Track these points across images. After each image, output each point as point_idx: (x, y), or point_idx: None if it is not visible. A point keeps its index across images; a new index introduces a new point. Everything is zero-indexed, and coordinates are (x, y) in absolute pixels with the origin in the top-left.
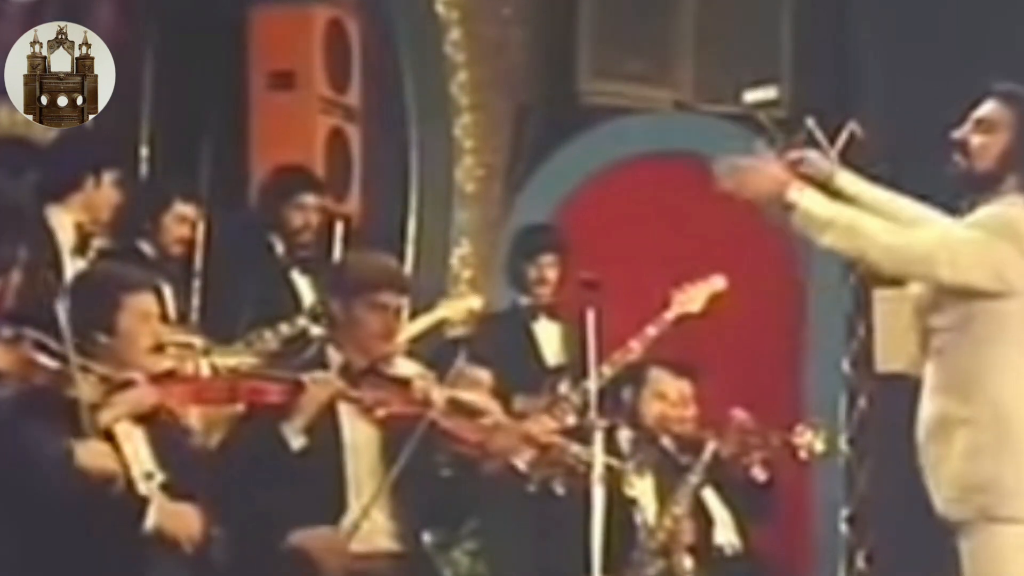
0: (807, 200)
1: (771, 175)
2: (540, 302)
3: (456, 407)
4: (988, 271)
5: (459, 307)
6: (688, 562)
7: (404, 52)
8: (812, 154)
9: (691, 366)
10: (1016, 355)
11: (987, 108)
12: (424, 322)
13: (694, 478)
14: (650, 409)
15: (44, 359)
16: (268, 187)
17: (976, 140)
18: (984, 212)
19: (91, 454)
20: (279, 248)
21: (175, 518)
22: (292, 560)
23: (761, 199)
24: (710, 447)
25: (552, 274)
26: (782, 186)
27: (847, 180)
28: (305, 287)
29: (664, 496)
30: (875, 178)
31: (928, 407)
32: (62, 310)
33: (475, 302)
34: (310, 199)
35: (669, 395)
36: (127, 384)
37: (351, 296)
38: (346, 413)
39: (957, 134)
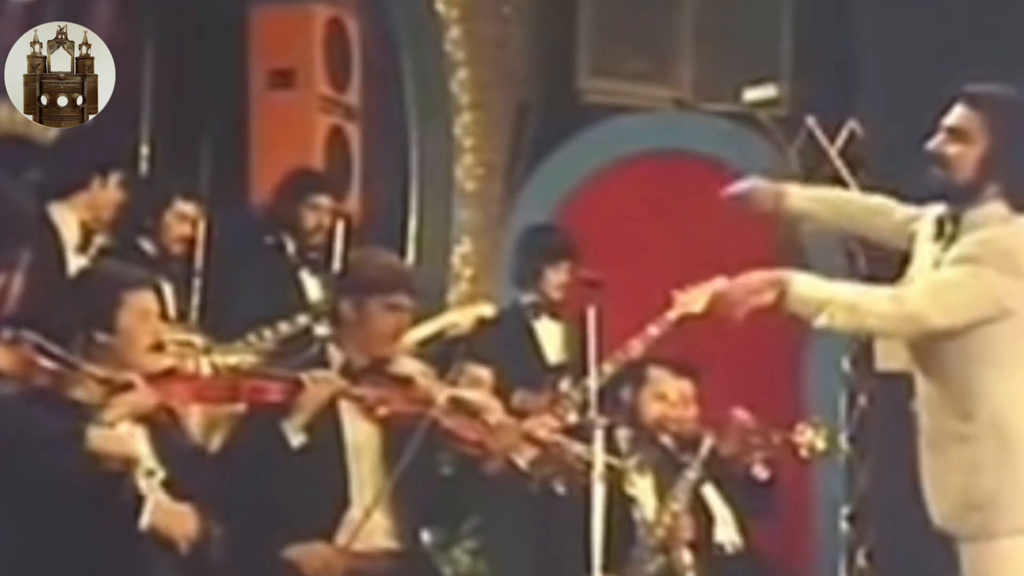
0: (798, 286)
1: (755, 283)
2: (544, 301)
3: (458, 406)
4: (984, 304)
5: (469, 314)
6: (688, 558)
7: (404, 51)
8: (752, 183)
9: (692, 366)
10: (1013, 372)
11: (957, 115)
12: (433, 326)
13: (692, 474)
14: (650, 409)
15: (44, 361)
16: (284, 187)
17: (952, 150)
18: (971, 240)
19: (108, 440)
20: (290, 247)
21: (171, 517)
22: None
23: (757, 303)
24: (707, 443)
25: (567, 278)
26: (772, 284)
27: (798, 194)
28: (314, 287)
29: (663, 493)
30: (873, 176)
31: (925, 420)
32: (65, 311)
33: (486, 309)
34: (324, 200)
35: (669, 396)
36: (128, 386)
37: (364, 296)
38: (347, 411)
39: (931, 145)
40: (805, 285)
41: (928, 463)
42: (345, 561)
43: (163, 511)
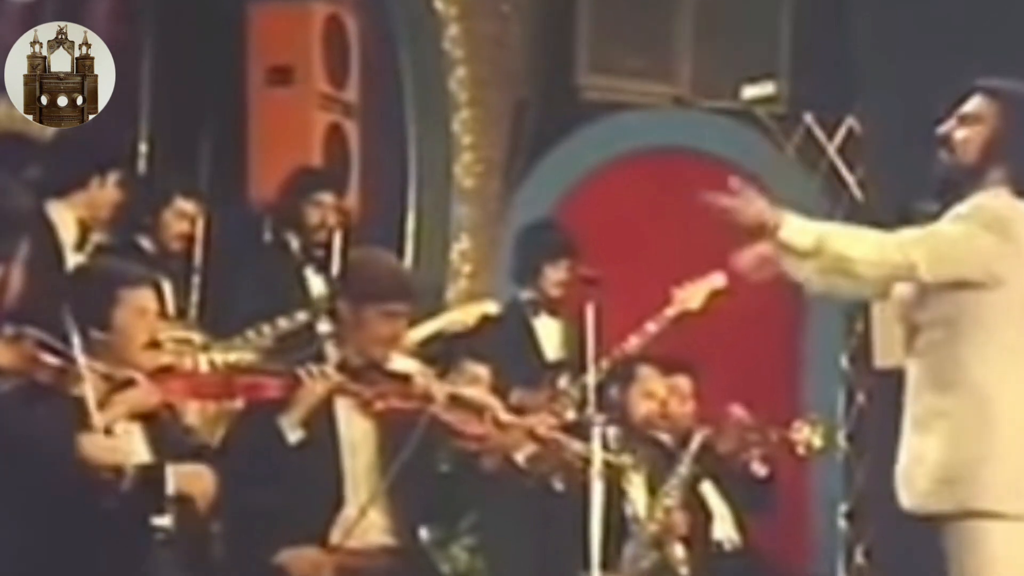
0: (787, 232)
1: (757, 206)
2: (543, 298)
3: (457, 403)
4: (973, 264)
5: (474, 312)
6: (681, 553)
7: (403, 48)
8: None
9: (690, 362)
10: (997, 344)
11: (971, 103)
12: (437, 325)
13: (683, 469)
14: (638, 408)
15: (47, 357)
16: (287, 184)
17: (959, 134)
18: (970, 203)
19: (97, 448)
20: (294, 245)
21: (189, 478)
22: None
23: (749, 226)
24: (697, 439)
25: (566, 275)
26: (766, 215)
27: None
28: (319, 285)
29: (656, 489)
30: (871, 173)
31: (912, 408)
32: (65, 308)
33: (491, 307)
34: (328, 197)
35: (657, 394)
36: (128, 383)
37: (362, 302)
38: (343, 408)
39: (942, 129)
40: (795, 232)
41: (909, 444)
42: (336, 562)
43: (180, 474)
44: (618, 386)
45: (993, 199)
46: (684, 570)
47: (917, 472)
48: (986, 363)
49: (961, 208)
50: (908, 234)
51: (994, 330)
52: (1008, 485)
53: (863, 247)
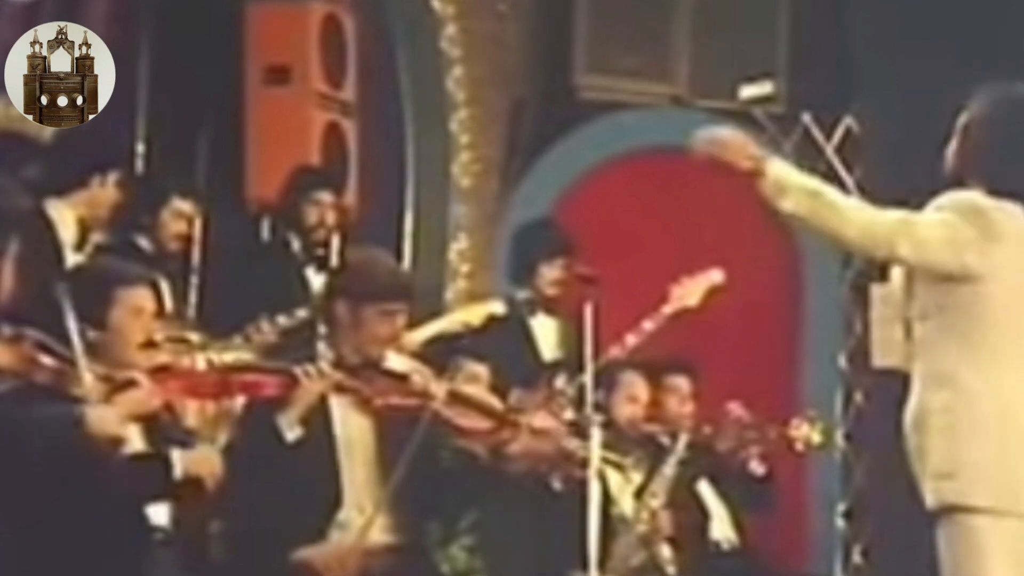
0: (777, 167)
1: (746, 144)
2: (539, 297)
3: (457, 400)
4: (949, 252)
5: (479, 312)
6: (667, 553)
7: (400, 47)
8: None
9: (688, 362)
10: (984, 340)
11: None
12: (442, 325)
13: (668, 470)
14: (622, 411)
15: (45, 358)
16: (286, 183)
17: (948, 149)
18: (950, 195)
19: (99, 420)
20: (295, 244)
21: (196, 461)
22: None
23: (735, 164)
24: (683, 439)
25: (562, 274)
26: (755, 156)
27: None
28: (318, 284)
29: (642, 490)
30: (869, 173)
31: (911, 402)
32: (67, 309)
33: (497, 307)
34: (326, 196)
35: (641, 398)
36: (129, 384)
37: (361, 301)
38: (337, 406)
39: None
40: (784, 168)
41: (912, 445)
42: (356, 559)
43: (187, 458)
44: (603, 390)
45: (968, 192)
46: (672, 570)
47: (920, 471)
48: (972, 358)
49: (940, 200)
50: (892, 214)
51: (976, 324)
52: (994, 481)
53: (853, 211)
